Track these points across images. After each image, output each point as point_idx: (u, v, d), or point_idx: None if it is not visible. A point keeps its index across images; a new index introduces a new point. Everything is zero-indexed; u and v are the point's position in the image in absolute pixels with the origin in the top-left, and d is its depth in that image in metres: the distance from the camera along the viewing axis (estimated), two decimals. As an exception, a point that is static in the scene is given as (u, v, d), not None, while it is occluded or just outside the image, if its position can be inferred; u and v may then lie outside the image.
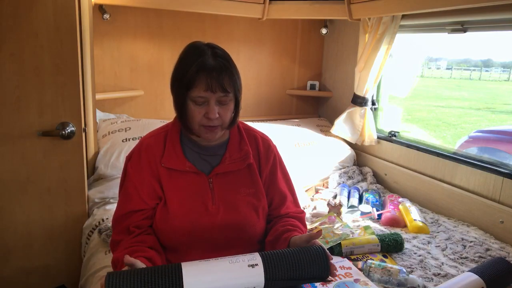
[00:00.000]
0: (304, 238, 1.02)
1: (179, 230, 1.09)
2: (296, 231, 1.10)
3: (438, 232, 1.77)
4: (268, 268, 0.88)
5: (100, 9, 2.21)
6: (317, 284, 1.31)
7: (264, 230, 1.20)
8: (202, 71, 1.03)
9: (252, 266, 0.87)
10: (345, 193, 2.13)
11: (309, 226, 1.71)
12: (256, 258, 0.89)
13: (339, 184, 2.29)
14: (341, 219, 1.78)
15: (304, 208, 2.00)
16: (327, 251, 0.95)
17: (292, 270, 0.90)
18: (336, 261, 1.47)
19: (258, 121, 2.71)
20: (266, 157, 1.21)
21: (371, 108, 2.46)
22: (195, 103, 1.05)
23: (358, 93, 2.40)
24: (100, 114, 2.31)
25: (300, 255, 0.92)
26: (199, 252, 1.10)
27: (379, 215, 1.92)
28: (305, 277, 0.91)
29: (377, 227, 1.82)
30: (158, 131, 1.20)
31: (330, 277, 0.93)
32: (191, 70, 1.03)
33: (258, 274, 0.87)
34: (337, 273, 1.31)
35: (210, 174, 1.14)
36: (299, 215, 1.22)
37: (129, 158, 1.16)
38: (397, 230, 1.79)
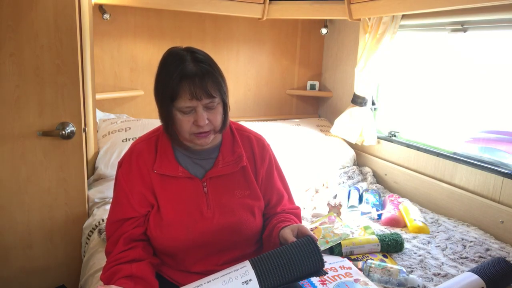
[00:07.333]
0: (291, 227, 1.01)
1: (174, 238, 1.07)
2: (290, 223, 1.10)
3: (438, 232, 1.77)
4: (262, 280, 0.87)
5: (100, 9, 2.21)
6: (316, 283, 1.31)
7: (262, 228, 1.19)
8: (185, 79, 0.99)
9: (246, 282, 0.86)
10: (345, 193, 2.13)
11: (309, 226, 1.71)
12: (248, 272, 0.88)
13: (339, 184, 2.29)
14: (341, 219, 1.78)
15: (304, 209, 2.00)
16: (316, 241, 0.93)
17: (286, 272, 0.88)
18: (336, 261, 1.47)
19: (258, 121, 2.70)
20: (261, 157, 1.20)
21: (371, 108, 2.46)
22: (182, 113, 1.03)
23: (358, 93, 2.40)
24: (100, 114, 2.31)
25: (291, 253, 0.90)
26: (196, 256, 1.10)
27: (379, 215, 1.92)
28: (300, 275, 0.90)
29: (377, 227, 1.82)
30: (149, 135, 1.17)
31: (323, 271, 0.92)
32: (173, 80, 1.00)
33: None
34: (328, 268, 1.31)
35: (204, 178, 1.12)
36: (295, 211, 1.22)
37: (120, 165, 1.14)
38: (397, 230, 1.79)
